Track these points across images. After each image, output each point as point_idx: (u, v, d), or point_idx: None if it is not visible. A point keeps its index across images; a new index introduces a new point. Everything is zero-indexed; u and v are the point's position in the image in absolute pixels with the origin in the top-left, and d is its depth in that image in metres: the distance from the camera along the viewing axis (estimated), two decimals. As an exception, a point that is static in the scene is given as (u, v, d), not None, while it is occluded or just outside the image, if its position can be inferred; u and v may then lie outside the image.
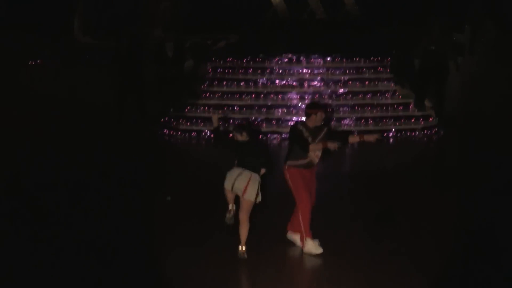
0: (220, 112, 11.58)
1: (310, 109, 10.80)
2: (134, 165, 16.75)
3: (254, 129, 11.89)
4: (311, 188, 10.96)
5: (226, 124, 12.39)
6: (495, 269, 10.46)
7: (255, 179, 10.57)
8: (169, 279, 10.12)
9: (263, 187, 10.76)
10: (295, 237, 11.16)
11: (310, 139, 10.65)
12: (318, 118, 10.71)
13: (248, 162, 10.70)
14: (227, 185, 10.71)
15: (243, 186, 10.52)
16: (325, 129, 10.91)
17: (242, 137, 10.79)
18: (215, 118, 11.09)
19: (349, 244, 11.43)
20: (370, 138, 10.86)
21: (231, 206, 10.90)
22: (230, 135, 11.17)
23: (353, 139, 11.15)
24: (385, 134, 20.32)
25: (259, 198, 10.61)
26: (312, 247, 10.77)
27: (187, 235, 11.83)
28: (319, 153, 10.75)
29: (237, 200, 10.84)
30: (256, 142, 11.50)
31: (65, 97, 23.85)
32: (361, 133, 19.84)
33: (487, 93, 22.45)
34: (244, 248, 10.82)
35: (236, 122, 19.39)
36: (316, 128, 10.79)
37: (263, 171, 10.82)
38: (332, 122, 20.60)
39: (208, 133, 20.22)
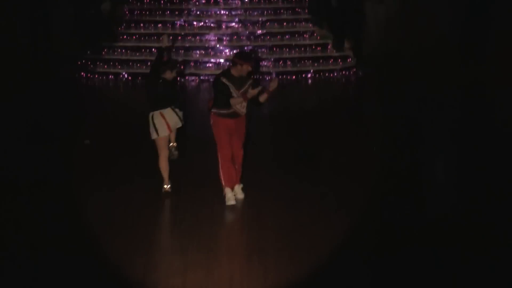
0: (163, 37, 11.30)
1: (237, 59, 10.58)
2: (50, 108, 16.40)
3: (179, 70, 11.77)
4: (238, 138, 10.77)
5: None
6: (415, 204, 10.66)
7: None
8: (92, 224, 10.01)
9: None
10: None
11: (233, 91, 10.50)
12: (243, 70, 10.50)
13: (168, 101, 10.68)
14: (170, 128, 10.78)
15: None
16: (250, 81, 10.72)
17: (171, 74, 10.72)
18: (164, 37, 10.95)
19: (271, 184, 11.48)
20: (274, 85, 10.64)
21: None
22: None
23: (263, 97, 10.88)
24: (303, 75, 20.39)
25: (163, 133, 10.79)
26: (228, 197, 10.71)
27: (107, 178, 11.71)
28: (245, 104, 10.60)
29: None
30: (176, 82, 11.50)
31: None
32: (278, 74, 20.01)
33: (406, 34, 22.59)
34: (168, 187, 10.96)
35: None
36: (242, 78, 10.59)
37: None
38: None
39: (126, 75, 19.99)
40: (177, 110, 10.91)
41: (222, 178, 10.70)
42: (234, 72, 10.52)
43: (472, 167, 12.37)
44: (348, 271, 8.77)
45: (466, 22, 20.71)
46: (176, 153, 11.39)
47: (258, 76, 20.17)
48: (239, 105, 10.51)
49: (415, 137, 13.99)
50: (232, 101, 10.44)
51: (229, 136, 10.64)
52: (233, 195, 10.76)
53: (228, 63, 20.21)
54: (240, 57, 10.62)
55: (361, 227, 9.89)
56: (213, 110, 10.60)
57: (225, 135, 10.60)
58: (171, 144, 11.32)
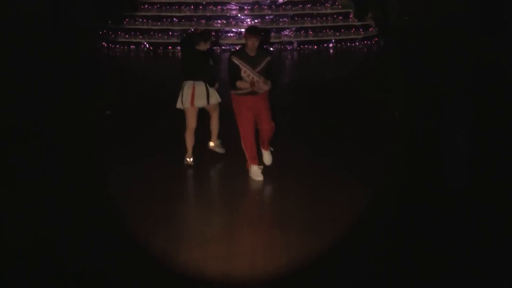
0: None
1: (244, 33, 10.38)
2: (72, 78, 16.43)
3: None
4: (261, 115, 10.51)
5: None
6: (436, 182, 10.60)
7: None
8: (113, 196, 10.03)
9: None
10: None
11: (246, 69, 10.24)
12: (252, 44, 10.19)
13: (201, 73, 10.69)
14: (193, 103, 10.77)
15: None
16: (267, 59, 10.41)
17: (205, 45, 10.69)
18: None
19: (292, 156, 11.44)
20: (266, 87, 10.44)
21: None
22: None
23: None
24: (325, 45, 20.30)
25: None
26: (254, 173, 10.61)
27: (128, 150, 11.73)
28: (261, 81, 10.23)
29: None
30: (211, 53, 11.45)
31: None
32: (300, 44, 19.94)
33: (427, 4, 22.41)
34: (191, 160, 10.95)
35: (176, 34, 19.17)
36: (257, 56, 10.32)
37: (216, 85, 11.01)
38: (272, 33, 20.47)
39: (147, 45, 19.96)
40: (210, 89, 10.86)
41: (247, 156, 10.60)
42: (247, 49, 10.28)
43: (495, 139, 12.28)
44: (368, 243, 8.76)
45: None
46: (220, 150, 11.37)
47: (277, 46, 20.12)
48: (256, 79, 10.25)
49: (438, 107, 13.90)
50: (238, 84, 10.26)
51: (251, 113, 10.45)
52: (260, 169, 10.62)
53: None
54: (246, 31, 10.36)
55: (382, 200, 9.86)
56: (231, 91, 10.47)
57: (245, 113, 10.42)
58: (211, 144, 11.32)
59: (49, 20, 21.08)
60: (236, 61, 10.24)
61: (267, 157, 10.88)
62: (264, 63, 10.31)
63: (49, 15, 21.15)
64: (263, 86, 10.19)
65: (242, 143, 10.57)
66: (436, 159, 11.38)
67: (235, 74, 10.27)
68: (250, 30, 10.40)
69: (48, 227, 9.03)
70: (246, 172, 10.58)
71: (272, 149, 10.91)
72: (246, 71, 10.25)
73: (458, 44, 18.88)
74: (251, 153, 10.55)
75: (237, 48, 10.84)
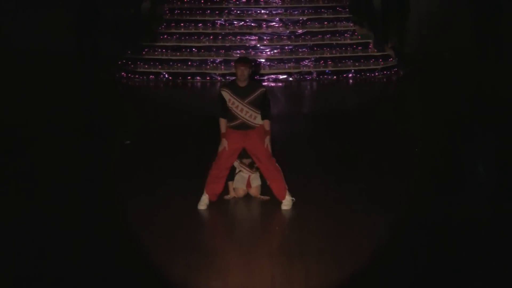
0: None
1: (233, 64, 10.19)
2: (92, 108, 16.48)
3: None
4: (257, 153, 10.25)
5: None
6: (458, 206, 10.50)
7: None
8: (132, 225, 9.98)
9: None
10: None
11: (234, 101, 10.04)
12: (240, 73, 9.98)
13: None
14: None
15: None
16: (261, 90, 10.16)
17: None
18: None
19: (311, 185, 11.36)
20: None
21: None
22: None
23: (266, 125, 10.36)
24: (344, 75, 20.29)
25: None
26: (201, 200, 10.37)
27: (147, 179, 11.70)
28: (252, 113, 10.06)
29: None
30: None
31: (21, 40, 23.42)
32: (319, 74, 19.96)
33: (447, 34, 22.43)
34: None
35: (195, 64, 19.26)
36: (248, 87, 10.10)
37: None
38: (292, 64, 20.49)
39: (166, 75, 20.03)
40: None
41: (206, 183, 10.39)
42: (237, 80, 10.12)
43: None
44: (389, 273, 8.65)
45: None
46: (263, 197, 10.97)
47: (297, 76, 20.10)
48: (249, 113, 10.07)
49: (458, 137, 13.83)
50: (221, 121, 10.14)
51: (234, 151, 10.25)
52: (207, 201, 10.43)
53: (268, 63, 20.25)
54: (235, 61, 10.18)
55: (403, 229, 9.76)
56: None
57: (227, 148, 10.19)
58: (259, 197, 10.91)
59: (76, 54, 21.45)
60: (224, 92, 10.09)
61: (285, 204, 10.46)
62: (255, 94, 10.10)
63: (75, 43, 21.49)
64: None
65: (209, 171, 10.38)
66: (457, 188, 11.28)
67: (220, 106, 10.11)
68: (239, 59, 10.26)
69: (66, 253, 8.99)
70: (266, 201, 10.51)
71: (293, 199, 10.51)
72: (234, 102, 10.07)
73: (475, 72, 18.92)
74: (211, 185, 10.36)
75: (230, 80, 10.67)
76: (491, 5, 21.69)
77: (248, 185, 10.68)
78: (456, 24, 22.63)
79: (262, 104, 10.15)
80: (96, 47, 21.55)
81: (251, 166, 10.52)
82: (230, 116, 10.16)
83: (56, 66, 20.96)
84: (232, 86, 10.15)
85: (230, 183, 10.65)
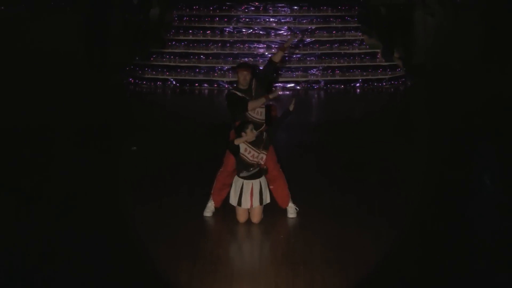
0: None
1: (236, 71, 10.39)
2: (99, 113, 16.50)
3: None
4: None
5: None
6: (463, 219, 10.49)
7: None
8: (138, 231, 9.99)
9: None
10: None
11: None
12: (242, 79, 10.19)
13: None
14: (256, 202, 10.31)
15: None
16: (254, 79, 10.34)
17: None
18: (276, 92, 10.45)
19: (316, 195, 11.36)
20: (275, 94, 10.39)
21: None
22: None
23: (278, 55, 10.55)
24: (352, 84, 20.29)
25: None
26: (207, 207, 10.48)
27: (153, 186, 11.70)
28: (258, 109, 10.15)
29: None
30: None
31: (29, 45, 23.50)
32: (327, 83, 19.97)
33: (456, 45, 22.39)
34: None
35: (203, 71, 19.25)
36: (249, 87, 10.25)
37: None
38: (299, 72, 20.50)
39: (174, 82, 20.05)
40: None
41: (212, 190, 10.50)
42: (240, 85, 10.30)
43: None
44: (393, 284, 8.64)
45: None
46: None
47: (304, 85, 20.10)
48: (254, 113, 10.14)
49: (465, 148, 13.83)
50: (250, 104, 10.09)
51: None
52: (213, 208, 10.53)
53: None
54: (237, 66, 10.45)
55: (409, 241, 9.75)
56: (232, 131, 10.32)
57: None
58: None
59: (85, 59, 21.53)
60: (234, 91, 10.27)
61: (290, 213, 10.56)
62: (254, 85, 10.28)
63: (85, 49, 21.59)
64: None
65: (215, 179, 10.48)
66: (463, 201, 11.26)
67: (240, 104, 10.14)
68: (241, 64, 10.51)
69: (71, 260, 9.00)
70: (270, 210, 10.50)
71: (296, 208, 10.57)
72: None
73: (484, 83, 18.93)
74: (218, 192, 10.47)
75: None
76: (502, 16, 21.69)
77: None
78: (464, 35, 22.62)
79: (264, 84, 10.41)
80: (105, 53, 21.57)
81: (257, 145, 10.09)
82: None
83: (65, 70, 20.95)
84: (238, 91, 10.29)
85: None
